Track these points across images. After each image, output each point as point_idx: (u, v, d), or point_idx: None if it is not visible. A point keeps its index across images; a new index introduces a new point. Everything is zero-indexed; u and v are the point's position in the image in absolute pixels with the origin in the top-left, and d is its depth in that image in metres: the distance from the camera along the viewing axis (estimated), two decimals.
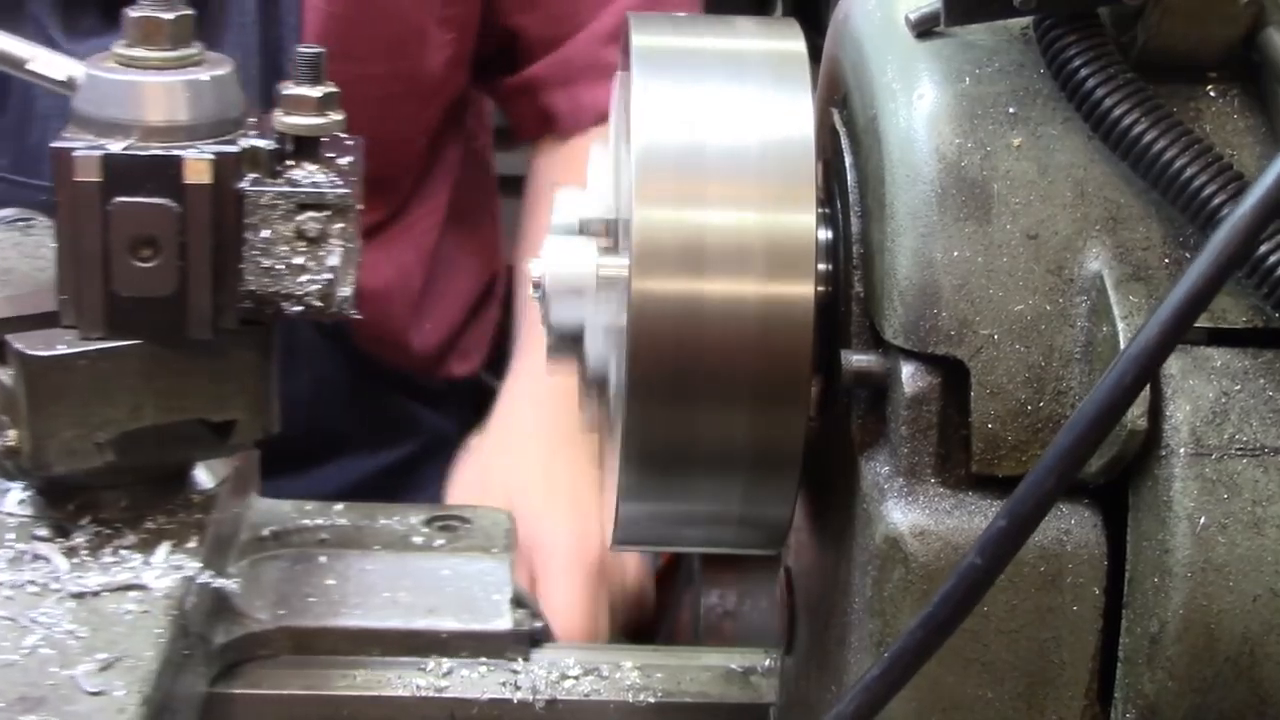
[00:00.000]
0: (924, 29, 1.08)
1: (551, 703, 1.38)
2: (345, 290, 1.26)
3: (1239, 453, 0.97)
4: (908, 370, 1.03)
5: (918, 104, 1.05)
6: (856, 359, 1.07)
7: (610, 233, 1.17)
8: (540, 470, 1.97)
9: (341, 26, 2.05)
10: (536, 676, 1.39)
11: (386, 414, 2.28)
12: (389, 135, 2.17)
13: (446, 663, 1.39)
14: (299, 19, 2.05)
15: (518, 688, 1.38)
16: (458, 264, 2.35)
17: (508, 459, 2.01)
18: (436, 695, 1.37)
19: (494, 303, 2.45)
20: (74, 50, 1.98)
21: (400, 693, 1.37)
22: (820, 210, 1.11)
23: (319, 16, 2.06)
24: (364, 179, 2.18)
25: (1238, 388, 0.98)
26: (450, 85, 2.23)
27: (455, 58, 2.20)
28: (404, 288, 2.25)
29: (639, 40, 1.12)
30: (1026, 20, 1.08)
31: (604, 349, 1.15)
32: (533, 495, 1.92)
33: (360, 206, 1.29)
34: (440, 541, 1.49)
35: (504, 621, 1.41)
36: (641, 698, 1.39)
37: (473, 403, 2.53)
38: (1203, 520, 0.96)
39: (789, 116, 1.08)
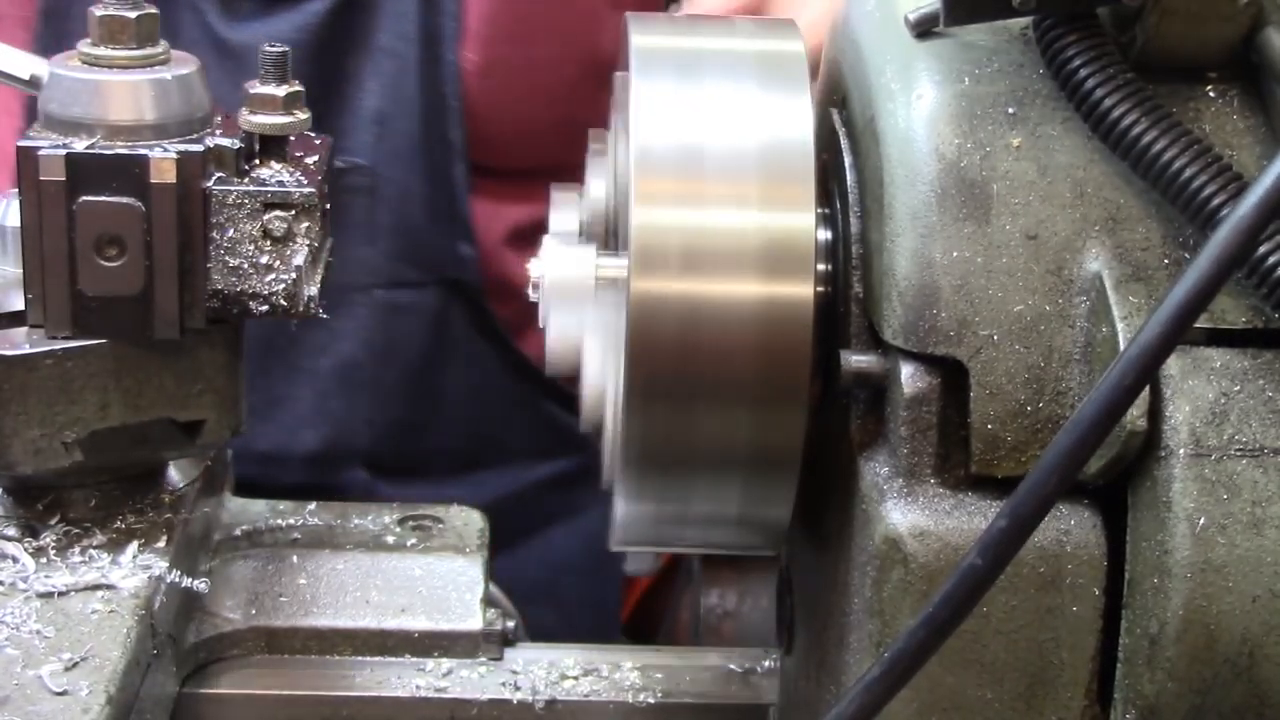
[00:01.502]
0: (923, 29, 1.08)
1: (551, 703, 1.38)
2: (312, 289, 1.26)
3: (1238, 453, 0.97)
4: (907, 371, 1.03)
5: (917, 104, 1.05)
6: (856, 359, 1.07)
7: (609, 233, 1.17)
8: None
9: (506, 9, 2.03)
10: (536, 676, 1.39)
11: (550, 425, 2.24)
12: (563, 121, 2.15)
13: (446, 663, 1.40)
14: (459, 5, 2.03)
15: (518, 688, 1.38)
16: None
17: None
18: (436, 695, 1.38)
19: None
20: (234, 36, 1.96)
21: (400, 693, 1.37)
22: (819, 211, 1.11)
23: (481, 3, 2.04)
24: (540, 169, 2.15)
25: (1237, 388, 0.98)
26: None
27: None
28: None
29: (638, 40, 1.12)
30: (1026, 20, 1.08)
31: (603, 350, 1.15)
32: None
33: (327, 205, 1.28)
34: (412, 541, 1.49)
35: (476, 621, 1.41)
36: (641, 698, 1.39)
37: None
38: (1202, 521, 0.96)
39: (788, 117, 1.08)
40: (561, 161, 2.16)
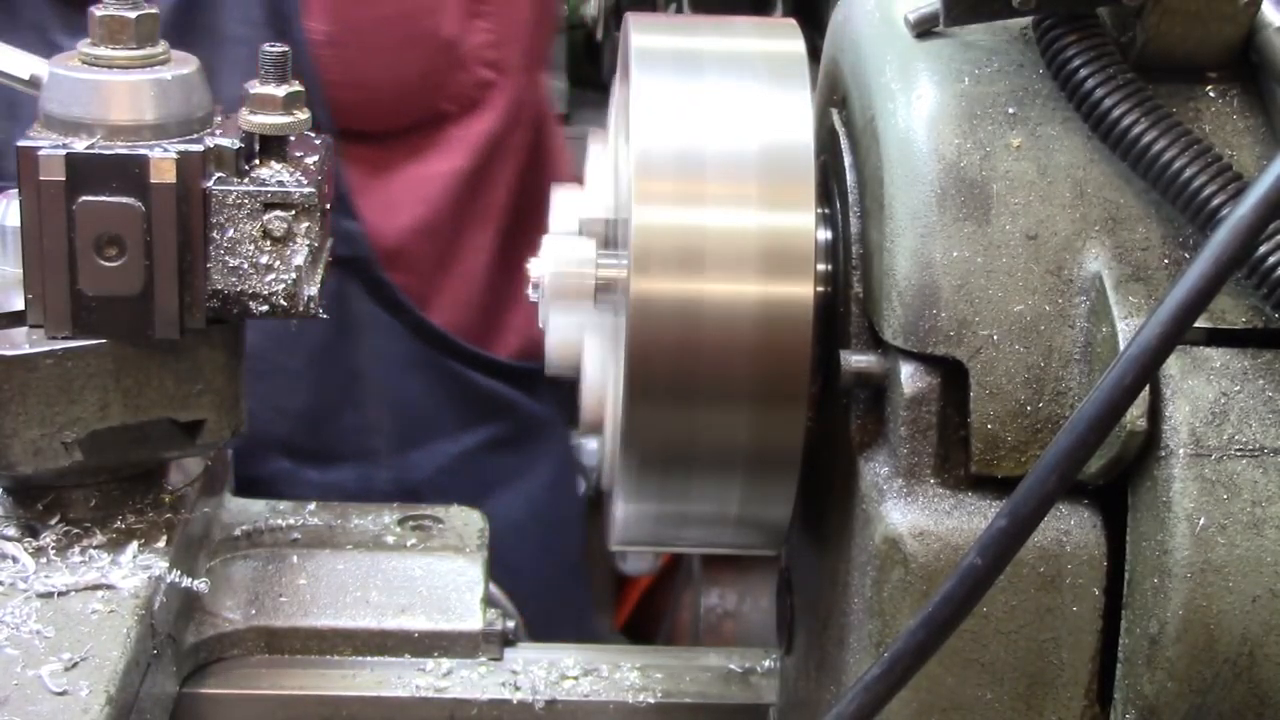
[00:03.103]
0: (923, 29, 1.08)
1: (551, 703, 1.38)
2: (312, 289, 1.26)
3: (1238, 453, 0.97)
4: (907, 371, 1.03)
5: (917, 104, 1.05)
6: (856, 359, 1.07)
7: (610, 233, 1.17)
8: None
9: None
10: (536, 677, 1.39)
11: (473, 393, 2.23)
12: (425, 71, 2.15)
13: (446, 663, 1.40)
14: None
15: (518, 688, 1.38)
16: (476, 227, 2.30)
17: None
18: (436, 695, 1.38)
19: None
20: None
21: (400, 693, 1.38)
22: (819, 211, 1.11)
23: None
24: (412, 125, 2.16)
25: (1237, 388, 0.98)
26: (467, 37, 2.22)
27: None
28: (428, 233, 2.21)
29: (638, 40, 1.12)
30: (1026, 20, 1.08)
31: (603, 350, 1.15)
32: None
33: (327, 205, 1.28)
34: (412, 541, 1.49)
35: (475, 621, 1.41)
36: (641, 698, 1.39)
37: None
38: (1202, 521, 0.96)
39: (788, 117, 1.08)
40: (433, 113, 2.16)
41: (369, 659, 1.40)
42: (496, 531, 2.20)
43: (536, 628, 1.68)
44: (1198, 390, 0.98)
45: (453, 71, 2.17)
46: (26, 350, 1.26)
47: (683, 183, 1.06)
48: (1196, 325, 0.92)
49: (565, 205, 1.19)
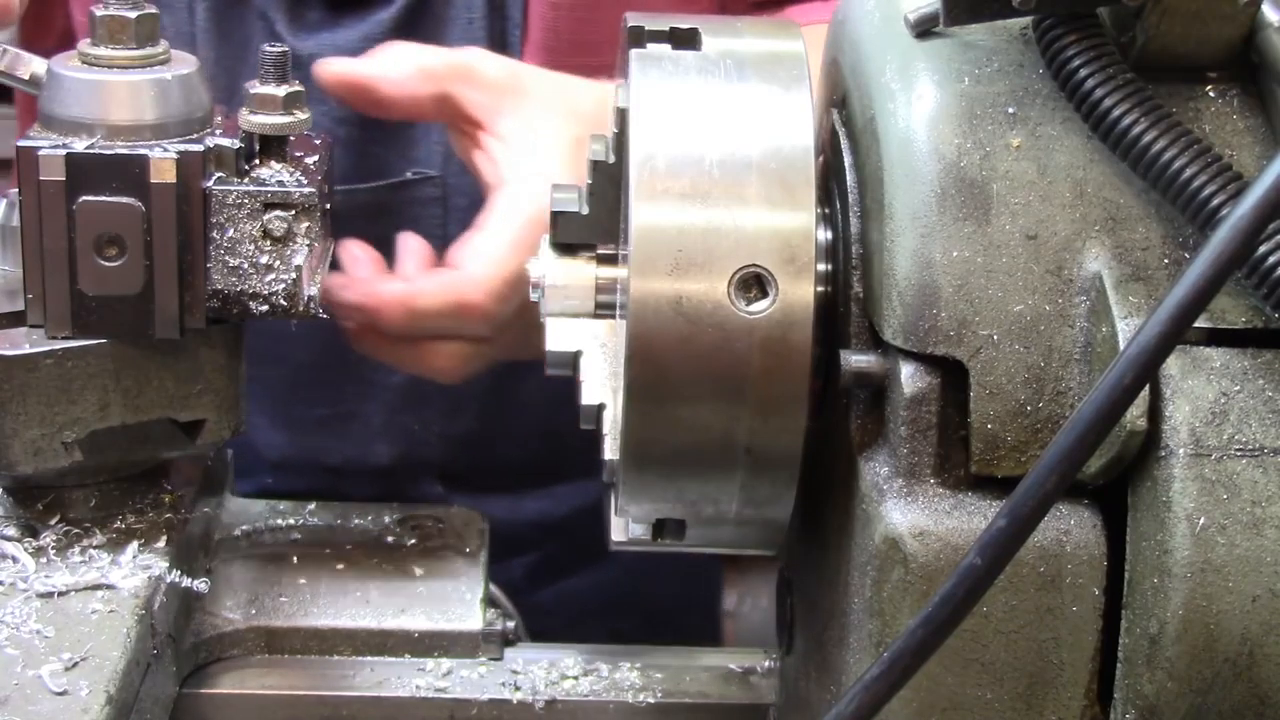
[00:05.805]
0: (923, 29, 1.08)
1: (551, 703, 1.38)
2: (312, 289, 1.26)
3: (1238, 453, 0.97)
4: (907, 370, 1.03)
5: (917, 104, 1.05)
6: (856, 359, 1.07)
7: (610, 233, 1.17)
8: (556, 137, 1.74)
9: (567, 19, 2.01)
10: (536, 677, 1.40)
11: None
12: None
13: (446, 663, 1.40)
14: (524, 14, 2.02)
15: (518, 688, 1.38)
16: None
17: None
18: (436, 695, 1.38)
19: None
20: (300, 45, 1.96)
21: (400, 693, 1.38)
22: (819, 211, 1.10)
23: (543, 13, 2.04)
24: None
25: (1237, 388, 0.98)
26: None
27: None
28: None
29: (637, 40, 1.12)
30: (1026, 20, 1.08)
31: (603, 351, 1.15)
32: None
33: (328, 205, 1.28)
34: (412, 541, 1.49)
35: (476, 621, 1.41)
36: (641, 698, 1.39)
37: None
38: (1202, 521, 0.96)
39: (789, 117, 1.07)
40: None
41: (369, 659, 1.40)
42: (633, 572, 2.17)
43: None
44: (1198, 390, 0.98)
45: None
46: (26, 350, 1.26)
47: (683, 183, 1.06)
48: (1196, 325, 0.92)
49: (566, 205, 1.19)
